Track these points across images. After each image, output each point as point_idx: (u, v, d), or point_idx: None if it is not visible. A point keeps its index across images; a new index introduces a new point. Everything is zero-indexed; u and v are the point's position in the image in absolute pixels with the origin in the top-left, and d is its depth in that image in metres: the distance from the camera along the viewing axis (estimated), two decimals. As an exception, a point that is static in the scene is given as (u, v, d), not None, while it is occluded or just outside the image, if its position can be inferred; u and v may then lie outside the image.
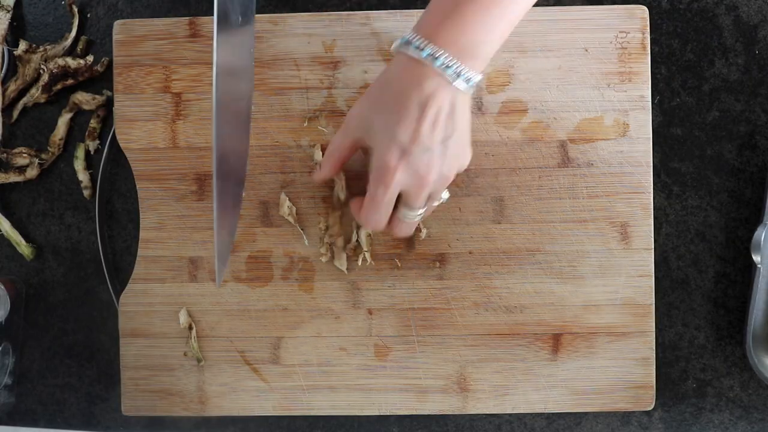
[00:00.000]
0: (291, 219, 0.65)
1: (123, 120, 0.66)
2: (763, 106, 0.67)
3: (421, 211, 0.58)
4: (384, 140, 0.53)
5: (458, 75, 0.51)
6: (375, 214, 0.56)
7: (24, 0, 0.70)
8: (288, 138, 0.66)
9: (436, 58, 0.50)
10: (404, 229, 0.59)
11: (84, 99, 0.68)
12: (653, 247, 0.65)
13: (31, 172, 0.68)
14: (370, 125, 0.54)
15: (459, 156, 0.55)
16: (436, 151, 0.53)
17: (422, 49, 0.51)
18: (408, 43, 0.51)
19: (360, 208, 0.58)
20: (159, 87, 0.66)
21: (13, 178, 0.68)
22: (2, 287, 0.66)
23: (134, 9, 0.70)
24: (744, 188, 0.67)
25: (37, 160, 0.68)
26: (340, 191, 0.64)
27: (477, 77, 0.52)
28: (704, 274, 0.68)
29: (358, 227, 0.65)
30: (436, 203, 0.59)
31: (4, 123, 0.69)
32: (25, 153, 0.68)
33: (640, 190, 0.65)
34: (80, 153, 0.69)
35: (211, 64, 0.56)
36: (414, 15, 0.65)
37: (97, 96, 0.69)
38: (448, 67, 0.51)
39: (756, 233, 0.64)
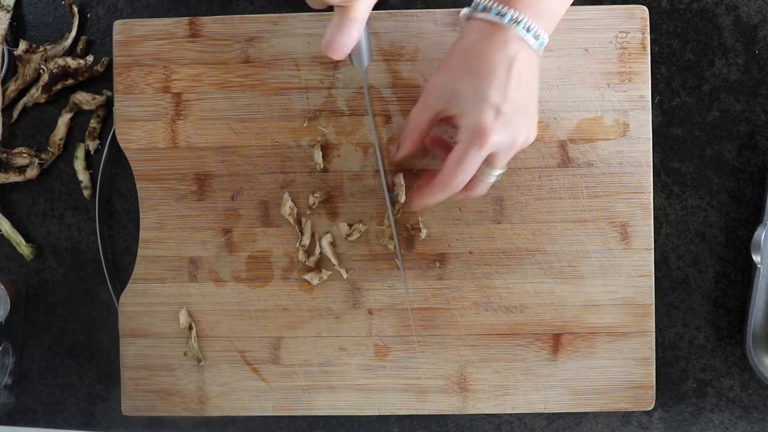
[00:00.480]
0: (291, 219, 0.65)
1: (123, 120, 0.66)
2: (763, 106, 0.67)
3: (502, 171, 0.58)
4: (475, 104, 0.53)
5: (536, 37, 0.53)
6: (462, 174, 0.55)
7: (24, 0, 0.70)
8: (288, 138, 0.66)
9: (518, 22, 0.52)
10: (483, 189, 0.59)
11: (84, 99, 0.68)
12: (653, 247, 0.65)
13: (31, 172, 0.68)
14: (455, 93, 0.54)
15: (535, 118, 0.56)
16: (524, 111, 0.54)
17: (503, 15, 0.52)
18: (486, 9, 0.53)
19: (431, 182, 0.57)
20: (159, 87, 0.66)
21: (13, 178, 0.68)
22: (2, 287, 0.66)
23: (134, 9, 0.70)
24: (744, 188, 0.67)
25: (37, 160, 0.68)
26: (401, 192, 0.65)
27: (546, 37, 0.54)
28: (704, 274, 0.68)
29: (320, 237, 0.66)
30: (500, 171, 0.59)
31: (4, 123, 0.69)
32: (25, 153, 0.68)
33: (640, 190, 0.65)
34: (80, 153, 0.69)
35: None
36: (414, 15, 0.65)
37: (97, 96, 0.69)
38: (528, 29, 0.53)
39: (756, 233, 0.64)
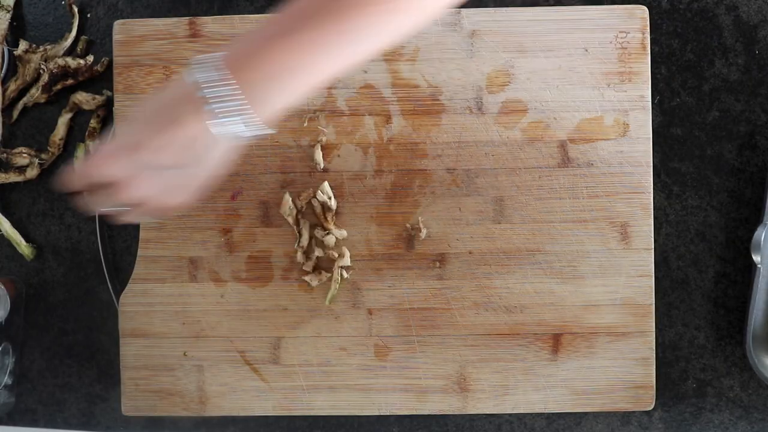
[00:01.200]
0: (290, 219, 0.65)
1: (123, 120, 0.66)
2: (763, 106, 0.67)
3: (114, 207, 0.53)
4: (130, 131, 0.50)
5: (231, 116, 0.47)
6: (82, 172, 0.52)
7: (24, 0, 0.70)
8: (288, 138, 0.66)
9: (213, 88, 0.47)
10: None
11: (84, 99, 0.68)
12: (653, 247, 0.65)
13: (31, 172, 0.68)
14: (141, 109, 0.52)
15: (186, 188, 0.52)
16: (167, 173, 0.50)
17: (205, 72, 0.47)
18: (198, 62, 0.48)
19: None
20: (159, 87, 0.66)
21: (14, 178, 0.68)
22: (2, 287, 0.66)
23: (134, 9, 0.70)
24: (744, 188, 0.67)
25: (37, 160, 0.68)
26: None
27: (252, 127, 0.48)
28: (704, 274, 0.67)
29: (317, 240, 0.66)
30: (134, 217, 0.56)
31: (4, 123, 0.69)
32: (25, 153, 0.68)
33: (640, 190, 0.65)
34: (80, 153, 0.69)
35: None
36: (414, 15, 0.65)
37: (97, 96, 0.69)
38: (223, 101, 0.47)
39: (756, 233, 0.64)
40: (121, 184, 0.51)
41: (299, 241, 0.65)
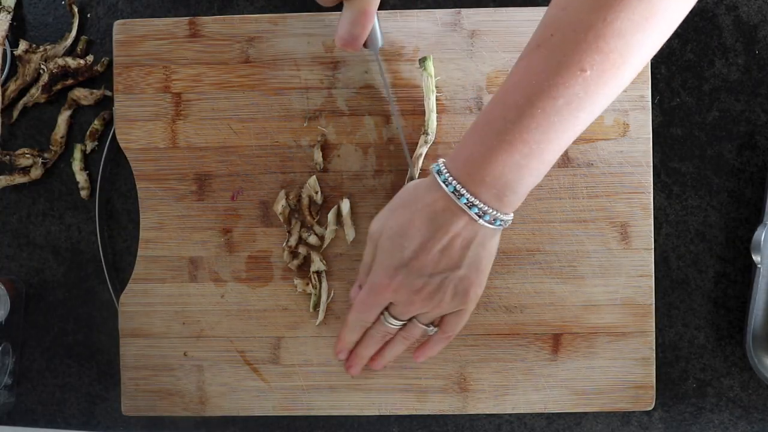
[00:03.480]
0: (281, 218, 0.65)
1: (123, 120, 0.66)
2: (763, 106, 0.67)
3: (399, 323, 0.58)
4: (386, 250, 0.53)
5: (485, 216, 0.50)
6: (360, 314, 0.58)
7: (24, 0, 0.70)
8: (288, 138, 0.66)
9: (472, 206, 0.50)
10: (384, 349, 0.61)
11: (82, 95, 0.68)
12: (653, 247, 0.65)
13: (36, 172, 0.68)
14: (383, 227, 0.54)
15: (463, 292, 0.54)
16: (435, 279, 0.53)
17: (460, 195, 0.50)
18: (446, 182, 0.51)
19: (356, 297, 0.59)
20: (159, 87, 0.66)
21: (19, 179, 0.68)
22: (2, 287, 0.66)
23: (134, 9, 0.70)
24: (744, 188, 0.67)
25: (40, 160, 0.68)
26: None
27: (508, 218, 0.52)
28: (704, 274, 0.67)
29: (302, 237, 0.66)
30: (419, 332, 0.59)
31: (3, 123, 0.69)
32: (27, 153, 0.68)
33: (640, 190, 0.65)
34: (77, 154, 0.69)
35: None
36: (414, 15, 0.65)
37: (95, 90, 0.68)
38: (483, 214, 0.50)
39: (756, 233, 0.64)
40: (402, 303, 0.54)
41: (287, 240, 0.65)
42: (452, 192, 0.50)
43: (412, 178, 0.63)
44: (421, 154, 0.63)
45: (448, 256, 0.51)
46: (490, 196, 0.50)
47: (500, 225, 0.52)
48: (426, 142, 0.63)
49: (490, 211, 0.50)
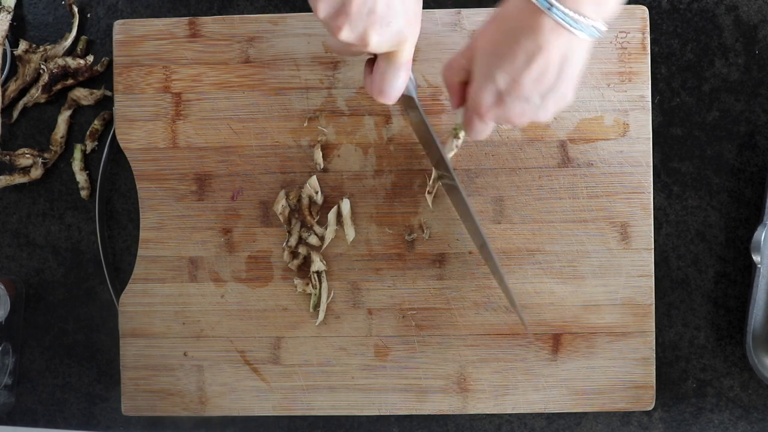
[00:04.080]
0: (281, 218, 0.65)
1: (123, 120, 0.66)
2: (763, 106, 0.67)
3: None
4: (482, 77, 0.50)
5: (578, 25, 0.46)
6: (475, 133, 0.54)
7: (24, 0, 0.70)
8: (288, 138, 0.66)
9: (552, 7, 0.46)
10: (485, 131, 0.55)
11: (82, 95, 0.68)
12: (653, 247, 0.65)
13: (36, 172, 0.68)
14: (474, 53, 0.51)
15: (559, 102, 0.51)
16: (534, 101, 0.50)
17: None
18: None
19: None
20: (159, 87, 0.66)
21: (19, 179, 0.68)
22: (2, 287, 0.66)
23: (134, 9, 0.70)
24: (744, 188, 0.67)
25: (40, 160, 0.68)
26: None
27: (602, 26, 0.48)
28: (704, 274, 0.67)
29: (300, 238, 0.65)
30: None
31: (4, 123, 0.69)
32: (27, 153, 0.68)
33: (640, 190, 0.65)
34: (77, 154, 0.69)
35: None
36: (414, 15, 0.65)
37: (94, 90, 0.69)
38: (566, 17, 0.46)
39: (756, 233, 0.64)
40: (504, 121, 0.52)
41: (288, 240, 0.65)
42: (544, 4, 0.46)
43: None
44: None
45: (544, 81, 0.49)
46: (585, 3, 0.46)
47: (591, 34, 0.48)
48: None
49: (587, 20, 0.47)
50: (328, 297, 0.65)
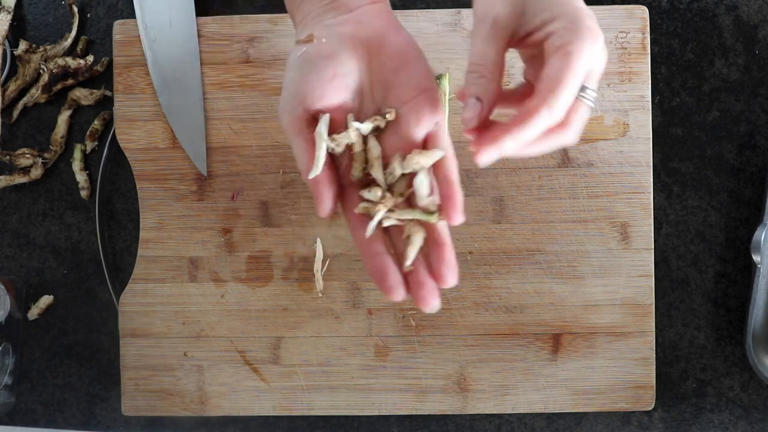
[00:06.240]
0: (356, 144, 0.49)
1: (123, 120, 0.66)
2: (763, 106, 0.67)
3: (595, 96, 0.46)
4: (566, 22, 0.43)
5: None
6: (568, 92, 0.43)
7: (24, 0, 0.70)
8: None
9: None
10: (579, 124, 0.46)
11: (82, 95, 0.68)
12: (653, 247, 0.65)
13: (36, 172, 0.68)
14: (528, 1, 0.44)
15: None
16: None
17: None
18: None
19: (510, 124, 0.45)
20: (159, 87, 0.66)
21: (19, 179, 0.68)
22: (2, 287, 0.66)
23: (134, 9, 0.70)
24: (744, 188, 0.67)
25: (40, 160, 0.68)
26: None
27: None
28: (704, 274, 0.68)
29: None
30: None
31: (4, 123, 0.69)
32: (27, 153, 0.68)
33: (640, 190, 0.65)
34: (77, 154, 0.69)
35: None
36: (414, 15, 0.65)
37: (95, 90, 0.68)
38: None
39: (756, 233, 0.64)
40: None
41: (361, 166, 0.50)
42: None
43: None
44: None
45: None
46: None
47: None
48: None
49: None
50: (322, 268, 0.65)
